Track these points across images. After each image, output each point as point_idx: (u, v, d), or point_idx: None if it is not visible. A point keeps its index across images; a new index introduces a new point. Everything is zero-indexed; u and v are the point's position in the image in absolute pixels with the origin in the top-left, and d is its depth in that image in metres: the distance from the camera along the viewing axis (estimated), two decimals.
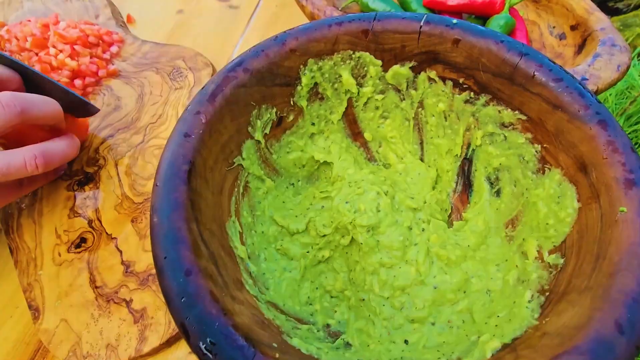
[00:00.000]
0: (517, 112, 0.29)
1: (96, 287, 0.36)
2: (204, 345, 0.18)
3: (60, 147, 0.36)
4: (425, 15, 0.30)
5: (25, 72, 0.37)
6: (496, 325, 0.25)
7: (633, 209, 0.21)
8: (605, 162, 0.23)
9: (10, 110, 0.31)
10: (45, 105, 0.35)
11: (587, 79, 0.37)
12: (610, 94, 1.25)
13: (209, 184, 0.25)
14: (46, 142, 0.36)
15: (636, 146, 1.17)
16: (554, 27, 0.48)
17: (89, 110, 0.41)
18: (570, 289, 0.22)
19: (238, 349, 0.18)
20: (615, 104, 1.25)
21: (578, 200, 0.24)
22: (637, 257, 0.19)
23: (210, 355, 0.18)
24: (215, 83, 0.27)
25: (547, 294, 0.24)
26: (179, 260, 0.20)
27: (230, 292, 0.22)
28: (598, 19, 0.43)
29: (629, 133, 1.19)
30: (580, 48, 0.44)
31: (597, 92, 0.37)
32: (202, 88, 0.27)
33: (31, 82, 0.37)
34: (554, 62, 0.26)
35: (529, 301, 0.24)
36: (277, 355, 0.19)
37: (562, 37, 0.47)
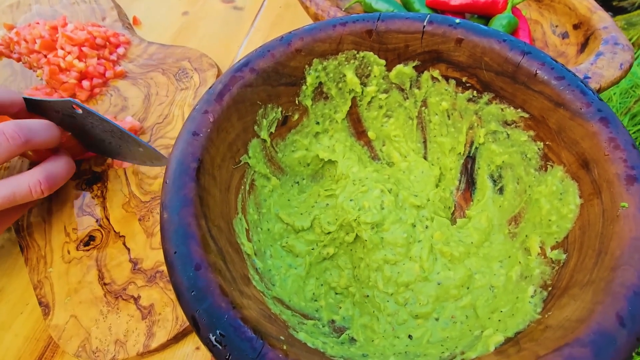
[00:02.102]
0: (519, 110, 0.29)
1: (105, 284, 0.36)
2: (214, 337, 0.19)
3: (62, 168, 0.37)
4: (429, 15, 0.30)
5: (107, 125, 0.37)
6: (499, 320, 0.25)
7: (634, 204, 0.21)
8: (607, 158, 0.23)
9: (14, 142, 0.32)
10: (47, 132, 0.35)
11: (590, 78, 0.38)
12: (614, 93, 1.25)
13: (216, 182, 0.26)
14: (48, 163, 0.36)
15: None
16: (556, 26, 0.49)
17: (162, 161, 0.40)
18: (573, 284, 0.22)
19: (247, 341, 0.19)
20: (620, 103, 1.24)
21: (580, 197, 0.25)
22: (638, 251, 0.20)
23: (220, 347, 0.18)
24: (222, 83, 0.27)
25: (550, 289, 0.24)
26: (188, 255, 0.21)
27: (238, 286, 0.23)
28: (601, 18, 0.43)
29: (634, 132, 1.18)
30: (583, 47, 0.44)
31: (599, 91, 0.38)
32: (210, 87, 0.27)
33: (110, 133, 0.38)
34: (556, 61, 0.27)
35: (532, 296, 0.25)
36: (284, 347, 0.19)
37: (564, 36, 0.47)
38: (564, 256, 0.25)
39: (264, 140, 0.32)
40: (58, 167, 0.36)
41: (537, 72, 0.27)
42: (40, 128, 0.34)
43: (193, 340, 0.35)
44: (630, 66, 0.38)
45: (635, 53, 1.30)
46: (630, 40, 1.37)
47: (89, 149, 0.43)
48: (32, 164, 0.44)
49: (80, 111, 0.36)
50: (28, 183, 0.33)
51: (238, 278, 0.24)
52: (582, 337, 0.18)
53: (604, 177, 0.23)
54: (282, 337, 0.21)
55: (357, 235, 0.32)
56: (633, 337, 0.18)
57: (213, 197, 0.25)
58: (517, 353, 0.20)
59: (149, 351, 0.33)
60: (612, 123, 0.24)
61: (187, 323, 0.34)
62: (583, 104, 0.25)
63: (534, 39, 0.49)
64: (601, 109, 0.24)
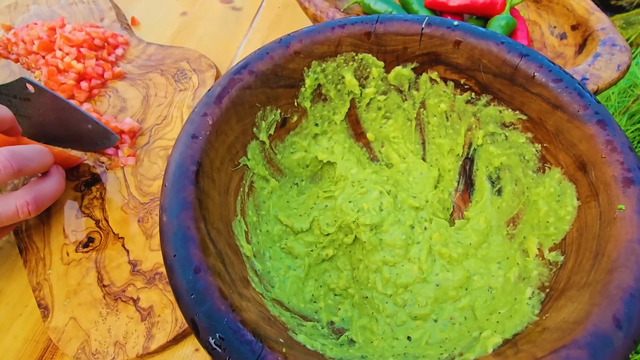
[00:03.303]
0: (517, 112, 0.29)
1: (104, 286, 0.36)
2: (214, 340, 0.19)
3: (51, 188, 0.37)
4: (427, 18, 0.30)
5: (58, 102, 0.38)
6: (497, 322, 0.25)
7: (631, 206, 0.21)
8: (604, 160, 0.23)
9: (7, 172, 0.32)
10: (40, 159, 0.35)
11: (588, 79, 0.38)
12: (612, 93, 1.25)
13: (215, 184, 0.26)
14: (37, 183, 0.36)
15: None
16: (554, 27, 0.49)
17: (111, 140, 0.42)
18: (570, 286, 0.22)
19: (246, 344, 0.19)
20: (618, 102, 1.25)
21: (578, 199, 0.25)
22: (635, 253, 0.20)
23: (220, 350, 0.19)
24: (221, 85, 0.27)
25: (548, 290, 0.24)
26: (188, 258, 0.21)
27: (238, 289, 0.23)
28: (598, 19, 0.44)
29: (632, 131, 1.18)
30: (581, 48, 0.44)
31: (597, 92, 0.38)
32: (209, 90, 0.27)
33: (61, 112, 0.39)
34: (554, 63, 0.27)
35: (530, 298, 0.25)
36: (284, 350, 0.19)
37: (563, 37, 0.47)
38: (561, 258, 0.25)
39: (263, 142, 0.32)
40: (47, 187, 0.36)
41: (535, 74, 0.27)
42: (34, 155, 0.34)
43: (192, 342, 0.35)
44: (628, 67, 0.38)
45: (633, 52, 1.31)
46: (628, 39, 1.38)
47: (39, 139, 0.43)
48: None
49: (32, 90, 0.37)
50: (15, 204, 0.33)
51: (237, 280, 0.24)
52: (579, 339, 0.18)
53: (601, 180, 0.23)
54: (281, 340, 0.21)
55: (356, 236, 0.32)
56: (630, 340, 0.18)
57: (212, 200, 0.25)
58: (515, 355, 0.20)
59: (149, 353, 0.33)
60: (609, 125, 0.24)
61: (187, 325, 0.34)
62: (580, 106, 0.25)
63: (532, 39, 0.50)
64: (598, 112, 0.24)
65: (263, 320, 0.22)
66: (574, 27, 0.46)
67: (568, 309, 0.21)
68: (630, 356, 0.18)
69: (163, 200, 0.23)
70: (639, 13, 1.52)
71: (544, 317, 0.22)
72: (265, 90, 0.30)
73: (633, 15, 1.51)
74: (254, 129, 0.31)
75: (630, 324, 0.18)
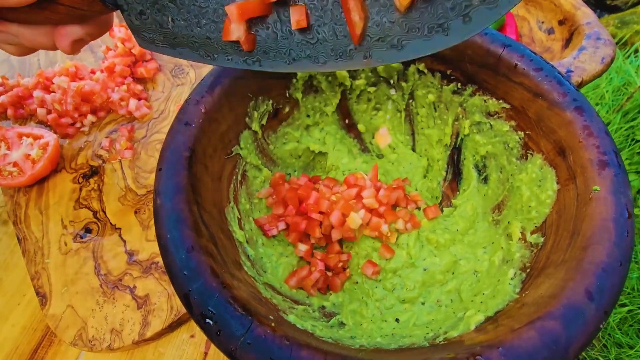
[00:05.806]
0: (501, 101, 0.30)
1: (101, 275, 0.37)
2: (205, 315, 0.20)
3: None
4: None
5: None
6: (481, 302, 0.26)
7: (605, 187, 0.22)
8: (581, 145, 0.24)
9: None
10: None
11: (573, 71, 0.39)
12: (607, 91, 1.27)
13: (208, 171, 0.27)
14: None
15: (633, 142, 1.19)
16: (542, 23, 0.50)
17: None
18: (548, 264, 0.23)
19: (237, 318, 0.19)
20: (612, 101, 1.26)
21: (557, 182, 0.26)
22: (608, 231, 0.21)
23: (211, 324, 0.19)
24: (214, 75, 0.28)
25: (528, 270, 0.25)
26: (181, 238, 0.22)
27: (229, 270, 0.24)
28: (584, 14, 0.45)
29: (626, 129, 1.20)
30: (568, 42, 0.46)
31: (582, 84, 0.39)
32: (202, 80, 0.28)
33: None
34: (535, 53, 0.28)
35: (512, 278, 0.26)
36: (273, 325, 0.20)
37: (550, 31, 0.48)
38: (542, 240, 0.26)
39: (255, 132, 0.33)
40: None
41: (517, 63, 0.28)
42: None
43: (188, 329, 0.36)
44: (612, 60, 0.39)
45: (627, 51, 1.32)
46: (622, 38, 1.39)
47: None
48: None
49: None
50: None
51: (230, 263, 0.25)
52: (553, 311, 0.19)
53: (579, 163, 0.24)
54: (271, 317, 0.22)
55: None
56: (601, 311, 0.19)
57: (205, 186, 0.26)
58: (495, 329, 0.21)
59: (144, 340, 0.34)
60: (587, 111, 0.25)
61: (182, 312, 0.34)
62: (560, 94, 0.26)
63: (520, 34, 0.51)
64: (576, 99, 0.25)
65: (254, 300, 0.23)
66: (561, 22, 0.47)
67: (545, 285, 0.22)
68: (601, 326, 0.19)
69: (157, 184, 0.24)
70: (633, 13, 1.54)
71: (523, 295, 0.23)
72: (257, 81, 0.31)
73: (628, 15, 1.53)
74: (247, 119, 0.31)
75: (602, 296, 0.19)
